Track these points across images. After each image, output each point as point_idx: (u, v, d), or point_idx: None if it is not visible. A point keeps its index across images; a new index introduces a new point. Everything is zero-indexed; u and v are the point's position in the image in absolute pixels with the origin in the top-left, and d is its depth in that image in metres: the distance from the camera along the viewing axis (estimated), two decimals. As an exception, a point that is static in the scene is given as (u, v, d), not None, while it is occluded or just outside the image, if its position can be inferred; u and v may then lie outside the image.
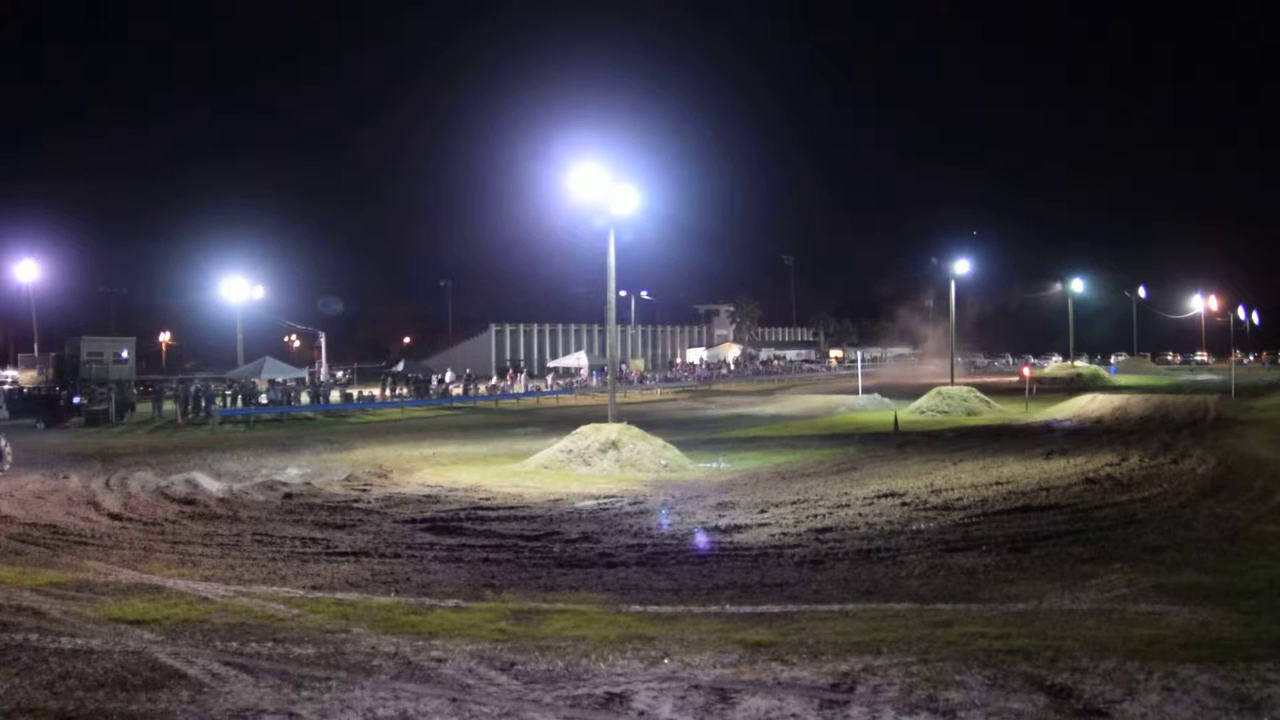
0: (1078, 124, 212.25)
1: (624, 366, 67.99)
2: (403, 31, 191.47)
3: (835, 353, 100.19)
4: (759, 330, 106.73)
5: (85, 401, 37.86)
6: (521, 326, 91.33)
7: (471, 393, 53.01)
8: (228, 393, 44.02)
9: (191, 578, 11.11)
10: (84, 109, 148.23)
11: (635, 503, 17.55)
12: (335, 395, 47.81)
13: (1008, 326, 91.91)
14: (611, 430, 24.13)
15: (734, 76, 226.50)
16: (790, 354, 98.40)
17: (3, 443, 21.28)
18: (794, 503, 16.86)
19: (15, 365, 51.84)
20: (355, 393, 50.16)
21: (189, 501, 17.64)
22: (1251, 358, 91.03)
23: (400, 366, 59.31)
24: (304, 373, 52.61)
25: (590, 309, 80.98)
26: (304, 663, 7.38)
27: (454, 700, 6.45)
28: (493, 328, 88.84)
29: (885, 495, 17.29)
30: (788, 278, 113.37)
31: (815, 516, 15.30)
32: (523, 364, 77.11)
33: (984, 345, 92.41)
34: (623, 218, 26.29)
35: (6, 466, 20.85)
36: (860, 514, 15.49)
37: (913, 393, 46.68)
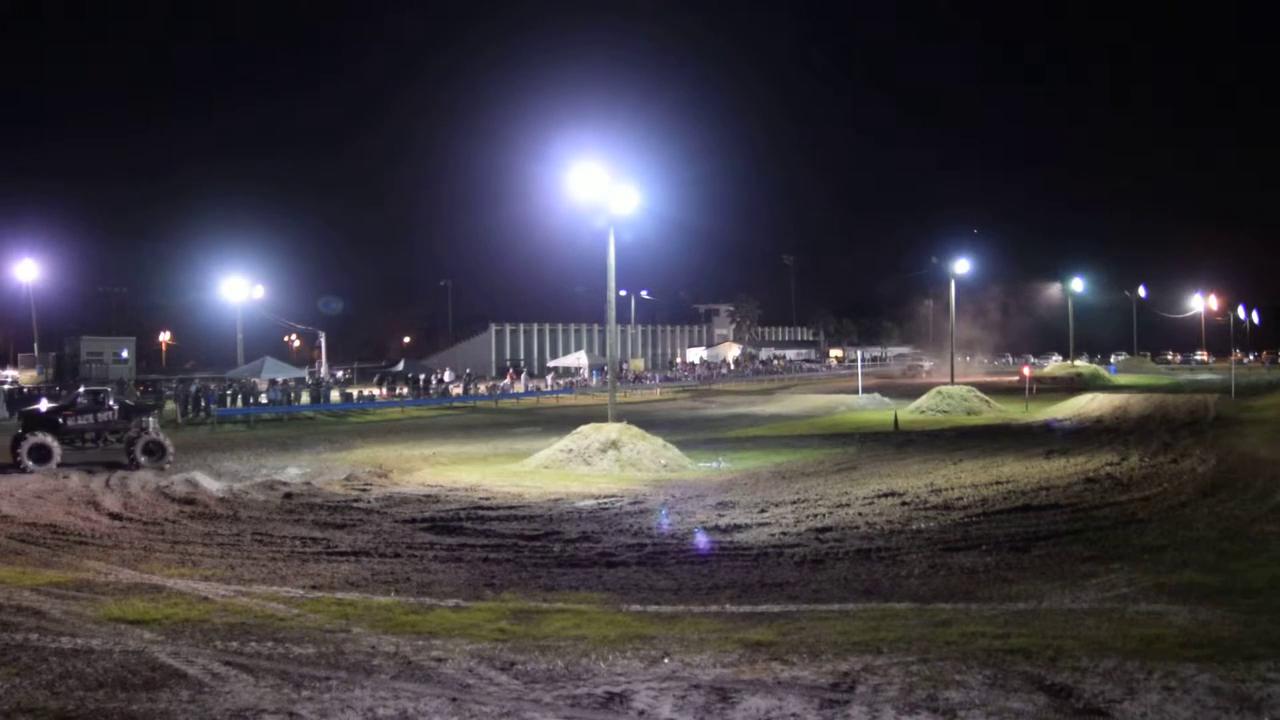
0: (1078, 124, 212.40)
1: (624, 366, 68.00)
2: (403, 31, 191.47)
3: (835, 352, 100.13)
4: (759, 330, 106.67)
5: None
6: (521, 326, 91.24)
7: (471, 392, 53.03)
8: (228, 393, 44.00)
9: (191, 577, 11.11)
10: (84, 109, 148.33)
11: (635, 502, 17.56)
12: (335, 395, 47.79)
13: (1012, 325, 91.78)
14: (611, 430, 24.14)
15: (734, 76, 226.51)
16: (790, 354, 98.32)
17: (164, 438, 22.08)
18: (794, 502, 16.87)
19: (15, 365, 51.89)
20: (355, 392, 50.13)
21: (189, 501, 17.64)
22: (1251, 357, 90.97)
23: (400, 366, 59.29)
24: (304, 372, 52.56)
25: (590, 309, 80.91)
26: (304, 662, 7.38)
27: (454, 700, 6.45)
28: (493, 328, 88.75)
29: (885, 495, 17.30)
30: (788, 278, 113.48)
31: (815, 516, 15.30)
32: (523, 364, 77.09)
33: (986, 345, 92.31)
34: (623, 217, 26.32)
35: (168, 462, 21.63)
36: (860, 513, 15.50)
37: (913, 392, 46.71)
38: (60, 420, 22.18)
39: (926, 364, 74.27)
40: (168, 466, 21.29)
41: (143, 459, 21.19)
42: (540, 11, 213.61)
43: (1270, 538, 12.81)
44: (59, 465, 21.16)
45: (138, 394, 43.74)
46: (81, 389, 25.08)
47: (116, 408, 22.55)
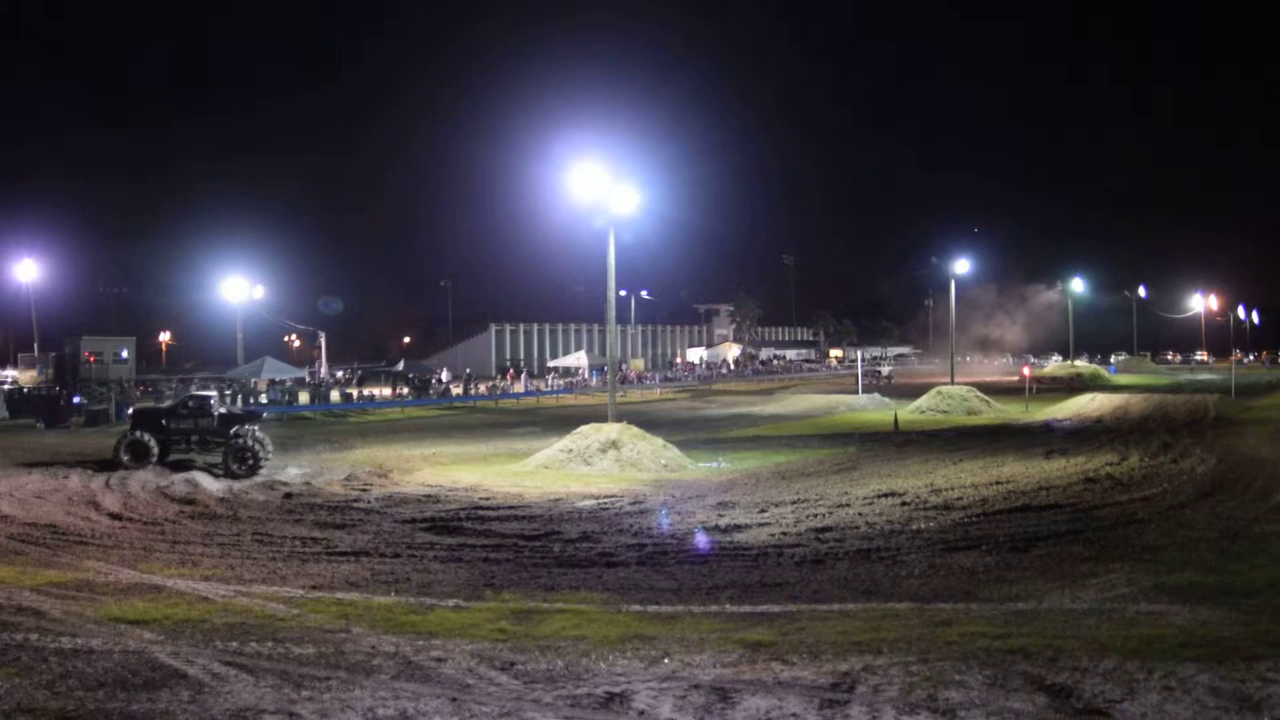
0: (1078, 124, 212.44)
1: (624, 366, 67.99)
2: (403, 31, 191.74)
3: (835, 353, 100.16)
4: (759, 330, 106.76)
5: (85, 401, 37.84)
6: (521, 326, 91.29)
7: (471, 392, 53.02)
8: (228, 393, 43.99)
9: (191, 577, 11.11)
10: (84, 109, 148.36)
11: (635, 502, 17.55)
12: (335, 395, 47.79)
13: (1020, 325, 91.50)
14: (611, 430, 24.13)
15: (734, 76, 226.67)
16: (790, 354, 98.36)
17: (259, 446, 22.02)
18: (794, 502, 16.87)
19: (15, 365, 51.88)
20: (355, 393, 50.10)
21: (189, 501, 17.64)
22: (1251, 357, 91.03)
23: (400, 366, 59.27)
24: (304, 372, 52.52)
25: (590, 309, 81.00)
26: (304, 662, 7.38)
27: (454, 700, 6.45)
28: (493, 328, 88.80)
29: (885, 495, 17.29)
30: (788, 278, 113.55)
31: (815, 516, 15.30)
32: (523, 364, 77.10)
33: (999, 345, 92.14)
34: (623, 217, 26.31)
35: (260, 468, 21.61)
36: (860, 513, 15.49)
37: (913, 392, 46.72)
38: (164, 422, 23.10)
39: (886, 369, 74.02)
40: (260, 474, 21.42)
41: (233, 465, 21.65)
42: (540, 11, 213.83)
43: (1270, 538, 12.81)
44: (155, 463, 21.87)
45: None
46: (190, 393, 26.35)
47: (217, 415, 23.25)
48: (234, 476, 20.96)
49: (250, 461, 21.65)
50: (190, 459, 22.96)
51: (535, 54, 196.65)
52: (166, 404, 25.56)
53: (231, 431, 22.46)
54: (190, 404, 23.64)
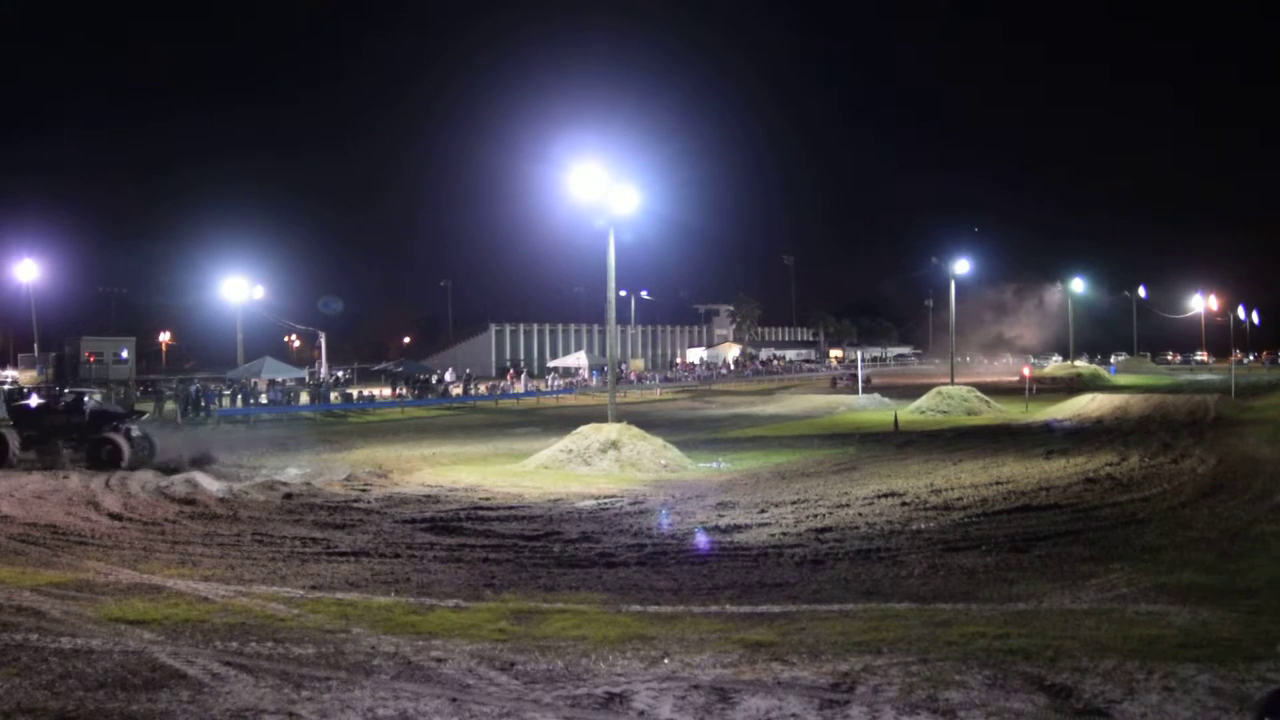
0: (1078, 124, 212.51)
1: (624, 366, 67.98)
2: (403, 32, 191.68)
3: (835, 353, 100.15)
4: (759, 330, 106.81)
5: (85, 402, 37.77)
6: (521, 326, 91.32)
7: (471, 392, 53.02)
8: (227, 393, 43.97)
9: (191, 578, 11.10)
10: (84, 109, 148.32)
11: (635, 503, 17.55)
12: (335, 395, 47.79)
13: (1028, 325, 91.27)
14: (611, 430, 24.13)
15: (734, 76, 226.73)
16: (790, 354, 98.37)
17: (124, 442, 22.00)
18: (794, 502, 16.86)
19: (15, 365, 51.90)
20: (355, 393, 50.09)
21: (189, 501, 17.62)
22: (1251, 357, 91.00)
23: (393, 365, 59.27)
24: (304, 373, 52.52)
25: (590, 309, 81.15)
26: (304, 663, 7.38)
27: (454, 700, 6.45)
28: (493, 328, 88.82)
29: (885, 495, 17.29)
30: (788, 278, 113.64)
31: (815, 516, 15.30)
32: (523, 364, 77.08)
33: (1011, 346, 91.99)
34: (623, 218, 26.32)
35: (123, 465, 21.51)
36: (860, 514, 15.49)
37: (913, 392, 46.73)
38: (37, 418, 23.03)
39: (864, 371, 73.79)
40: (122, 468, 21.26)
41: (100, 458, 21.61)
42: (540, 11, 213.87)
43: (1270, 538, 12.80)
44: (18, 462, 21.91)
45: (135, 395, 43.65)
46: (66, 390, 26.59)
47: (89, 411, 23.05)
48: (98, 469, 21.11)
49: (113, 456, 21.64)
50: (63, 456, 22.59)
51: (535, 54, 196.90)
52: (41, 401, 25.36)
53: (109, 428, 22.47)
54: (66, 400, 23.63)
